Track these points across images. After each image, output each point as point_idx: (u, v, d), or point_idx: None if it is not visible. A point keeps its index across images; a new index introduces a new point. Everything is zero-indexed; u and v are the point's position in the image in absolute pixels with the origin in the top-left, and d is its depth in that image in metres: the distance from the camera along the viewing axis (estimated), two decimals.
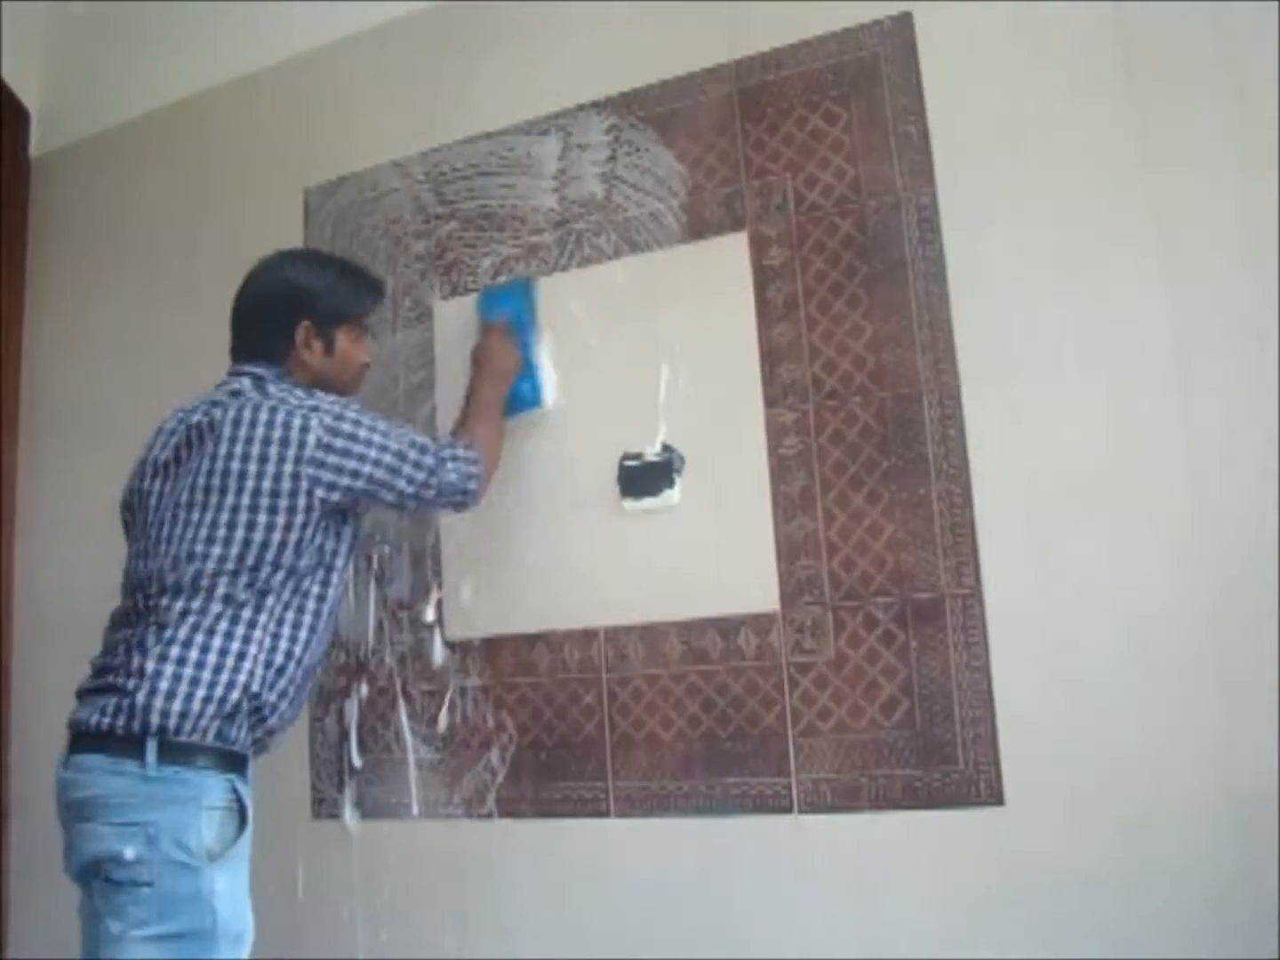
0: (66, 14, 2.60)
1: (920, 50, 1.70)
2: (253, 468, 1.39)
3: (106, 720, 1.33)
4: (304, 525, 1.42)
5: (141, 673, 1.34)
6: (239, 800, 1.37)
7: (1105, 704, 1.47)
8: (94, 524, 2.24)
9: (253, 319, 1.60)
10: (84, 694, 1.42)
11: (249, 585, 1.40)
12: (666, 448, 1.77)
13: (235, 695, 1.36)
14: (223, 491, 1.40)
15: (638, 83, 1.89)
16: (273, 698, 1.41)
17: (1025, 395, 1.57)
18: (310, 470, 1.41)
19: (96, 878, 1.30)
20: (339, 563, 1.51)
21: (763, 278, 1.75)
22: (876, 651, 1.60)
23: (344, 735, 1.95)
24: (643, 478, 1.77)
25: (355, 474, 1.44)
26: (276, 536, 1.40)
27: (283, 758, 1.97)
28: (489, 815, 1.81)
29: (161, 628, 1.38)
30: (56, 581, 2.29)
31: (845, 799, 1.59)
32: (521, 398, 1.84)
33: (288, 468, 1.40)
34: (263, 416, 1.42)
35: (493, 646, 1.86)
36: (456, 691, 1.88)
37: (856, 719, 1.60)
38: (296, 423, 1.42)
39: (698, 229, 1.81)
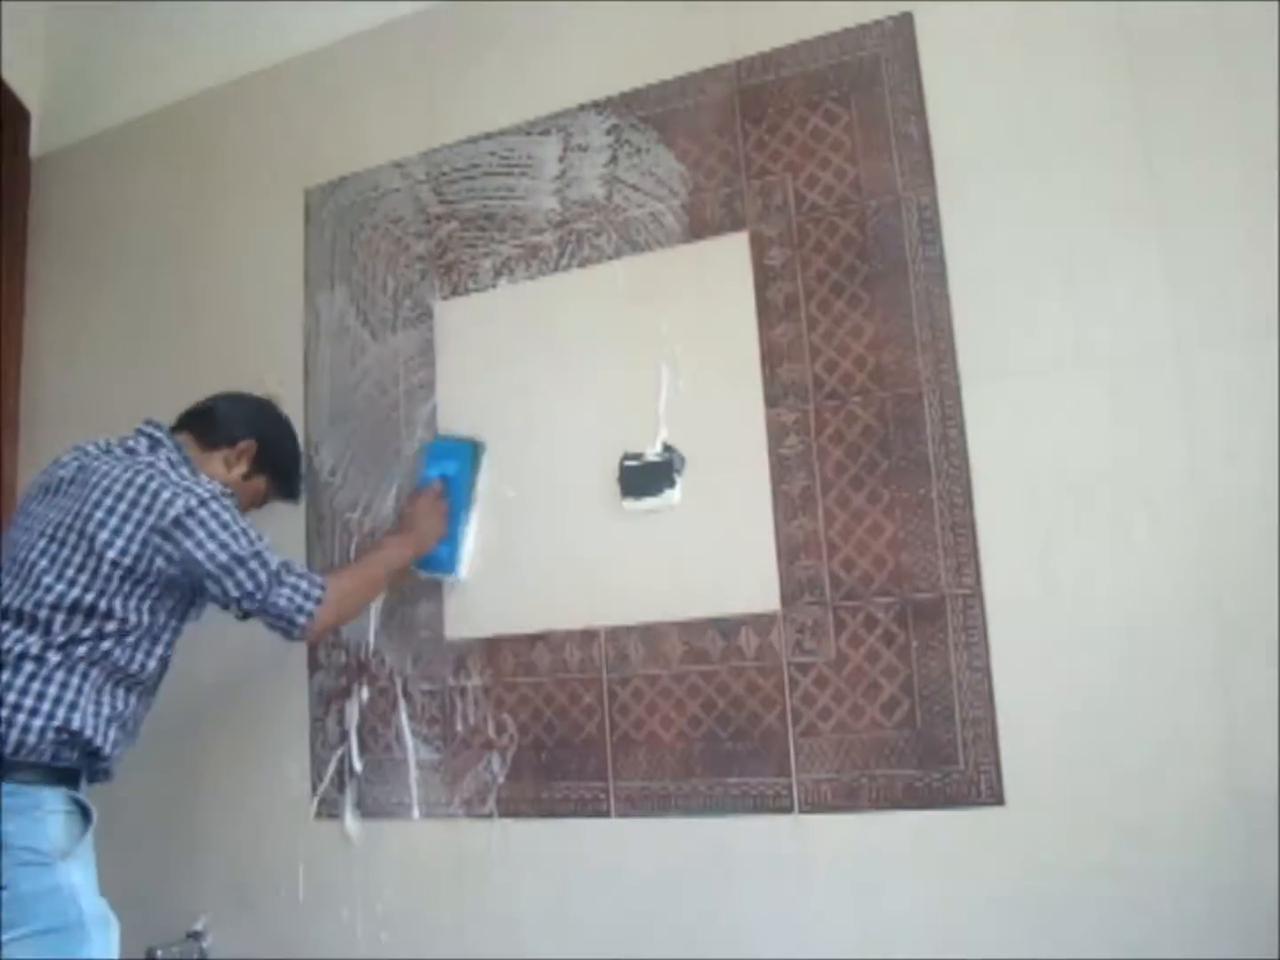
0: (66, 14, 2.60)
1: (921, 50, 1.70)
2: (113, 521, 1.49)
3: None
4: (143, 589, 1.51)
5: None
6: (78, 802, 1.46)
7: (1106, 704, 1.47)
8: None
9: (222, 406, 1.77)
10: None
11: (85, 631, 1.46)
12: (667, 448, 1.77)
13: (67, 736, 1.44)
14: (80, 534, 1.49)
15: (638, 83, 1.89)
16: (104, 744, 1.49)
17: (1026, 395, 1.57)
18: (157, 539, 1.49)
19: None
20: (166, 637, 1.58)
21: (763, 278, 1.75)
22: (877, 651, 1.60)
23: (344, 736, 1.95)
24: (643, 478, 1.77)
25: (190, 557, 1.50)
26: (114, 588, 1.48)
27: (283, 758, 1.98)
28: (490, 815, 1.81)
29: (2, 665, 1.43)
30: None
31: (846, 799, 1.59)
32: (438, 562, 1.85)
33: (141, 532, 1.49)
34: (139, 480, 1.52)
35: (493, 646, 1.86)
36: (457, 692, 1.87)
37: (857, 719, 1.60)
38: (165, 495, 1.51)
39: (698, 229, 1.81)
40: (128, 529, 1.48)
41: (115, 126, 2.46)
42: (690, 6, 1.87)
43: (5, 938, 1.34)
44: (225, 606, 1.56)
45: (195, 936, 1.97)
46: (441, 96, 2.08)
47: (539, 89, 1.98)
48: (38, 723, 1.41)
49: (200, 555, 1.49)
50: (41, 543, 1.50)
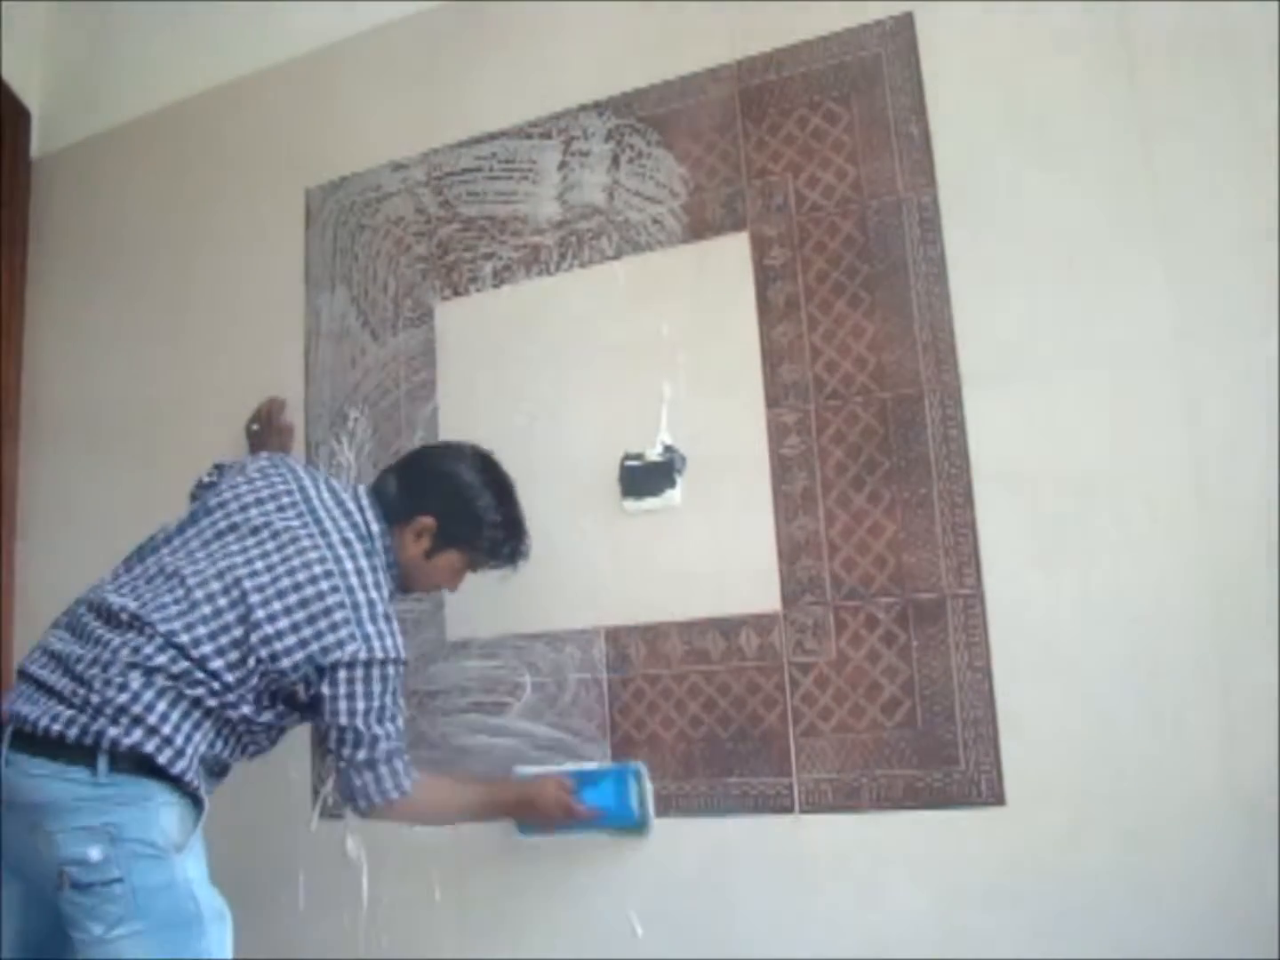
0: (66, 14, 2.60)
1: (921, 50, 1.70)
2: (280, 625, 1.42)
3: (57, 728, 1.33)
4: (274, 689, 1.45)
5: (100, 710, 1.34)
6: (189, 793, 1.40)
7: (1106, 704, 1.48)
8: (94, 524, 2.25)
9: (403, 472, 1.64)
10: (33, 683, 1.40)
11: (206, 690, 1.39)
12: (668, 448, 1.77)
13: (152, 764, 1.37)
14: (246, 615, 1.42)
15: (639, 83, 1.90)
16: (191, 778, 1.40)
17: (1026, 395, 1.57)
18: (308, 669, 1.43)
19: (60, 888, 1.30)
20: (277, 721, 1.50)
21: (764, 278, 1.76)
22: (878, 652, 1.61)
23: None
24: (644, 478, 1.78)
25: (321, 698, 1.43)
26: (254, 680, 1.42)
27: (284, 760, 1.97)
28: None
29: (133, 675, 1.36)
30: (56, 581, 2.28)
31: (846, 799, 1.59)
32: (617, 789, 1.68)
33: (299, 655, 1.42)
34: (328, 597, 1.44)
35: (493, 646, 1.86)
36: (456, 691, 1.87)
37: (858, 719, 1.60)
38: (342, 633, 1.42)
39: (699, 229, 1.81)
40: (289, 642, 1.41)
41: (115, 126, 2.46)
42: (690, 6, 1.87)
43: (123, 931, 1.30)
44: (321, 741, 1.56)
45: None
46: (441, 97, 2.08)
47: (539, 89, 1.98)
48: (156, 741, 1.35)
49: (330, 703, 1.43)
50: (215, 587, 1.43)
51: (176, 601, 1.42)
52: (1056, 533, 1.53)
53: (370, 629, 1.44)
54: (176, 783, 1.37)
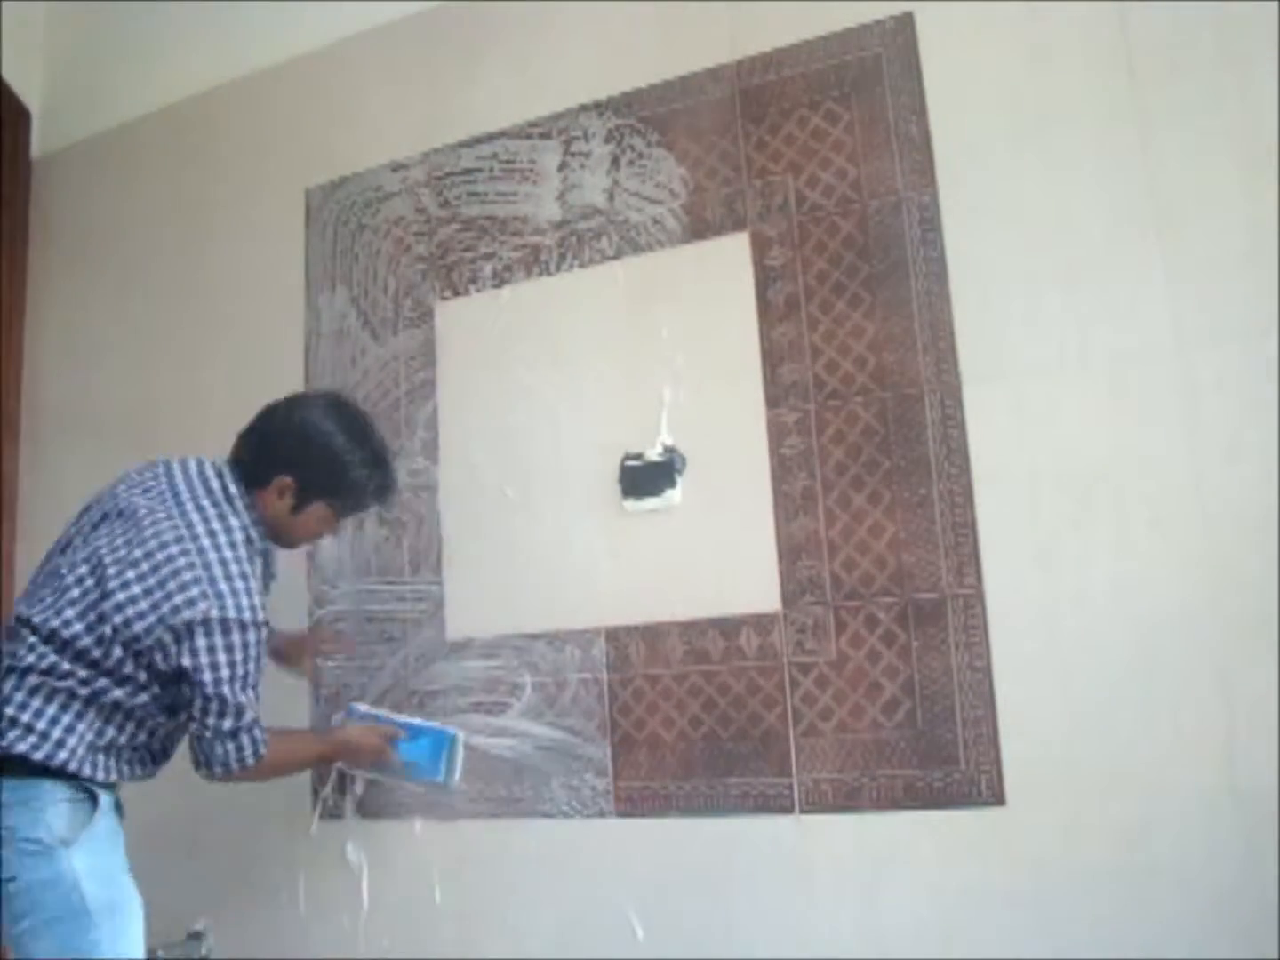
0: (66, 14, 2.60)
1: (921, 50, 1.70)
2: (133, 591, 1.43)
3: None
4: (145, 660, 1.44)
5: None
6: (85, 789, 1.43)
7: (1106, 704, 1.48)
8: None
9: (255, 435, 1.60)
10: None
11: (88, 673, 1.42)
12: (668, 448, 1.77)
13: (54, 762, 1.40)
14: (102, 589, 1.44)
15: (639, 83, 1.90)
16: (93, 772, 1.44)
17: (1026, 395, 1.57)
18: (161, 632, 1.41)
19: None
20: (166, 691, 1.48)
21: (764, 278, 1.76)
22: (878, 652, 1.61)
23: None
24: (644, 478, 1.78)
25: (181, 667, 1.42)
26: (118, 652, 1.43)
27: None
28: (490, 815, 1.81)
29: (8, 681, 1.41)
30: None
31: (847, 799, 1.59)
32: (434, 747, 1.79)
33: (150, 618, 1.42)
34: (178, 560, 1.43)
35: (493, 646, 1.86)
36: (457, 691, 1.87)
37: (858, 719, 1.60)
38: (192, 591, 1.42)
39: (699, 229, 1.81)
40: (142, 606, 1.41)
41: (115, 126, 2.46)
42: (691, 6, 1.88)
43: (17, 929, 1.36)
44: (185, 710, 1.48)
45: (196, 937, 1.97)
46: (441, 97, 2.08)
47: (539, 89, 1.98)
48: (31, 739, 1.38)
49: (194, 674, 1.42)
50: (83, 569, 1.46)
51: (53, 592, 1.46)
52: (1056, 533, 1.53)
53: (223, 587, 1.43)
54: (67, 777, 1.40)
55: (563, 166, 1.94)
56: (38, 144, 2.56)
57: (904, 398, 1.64)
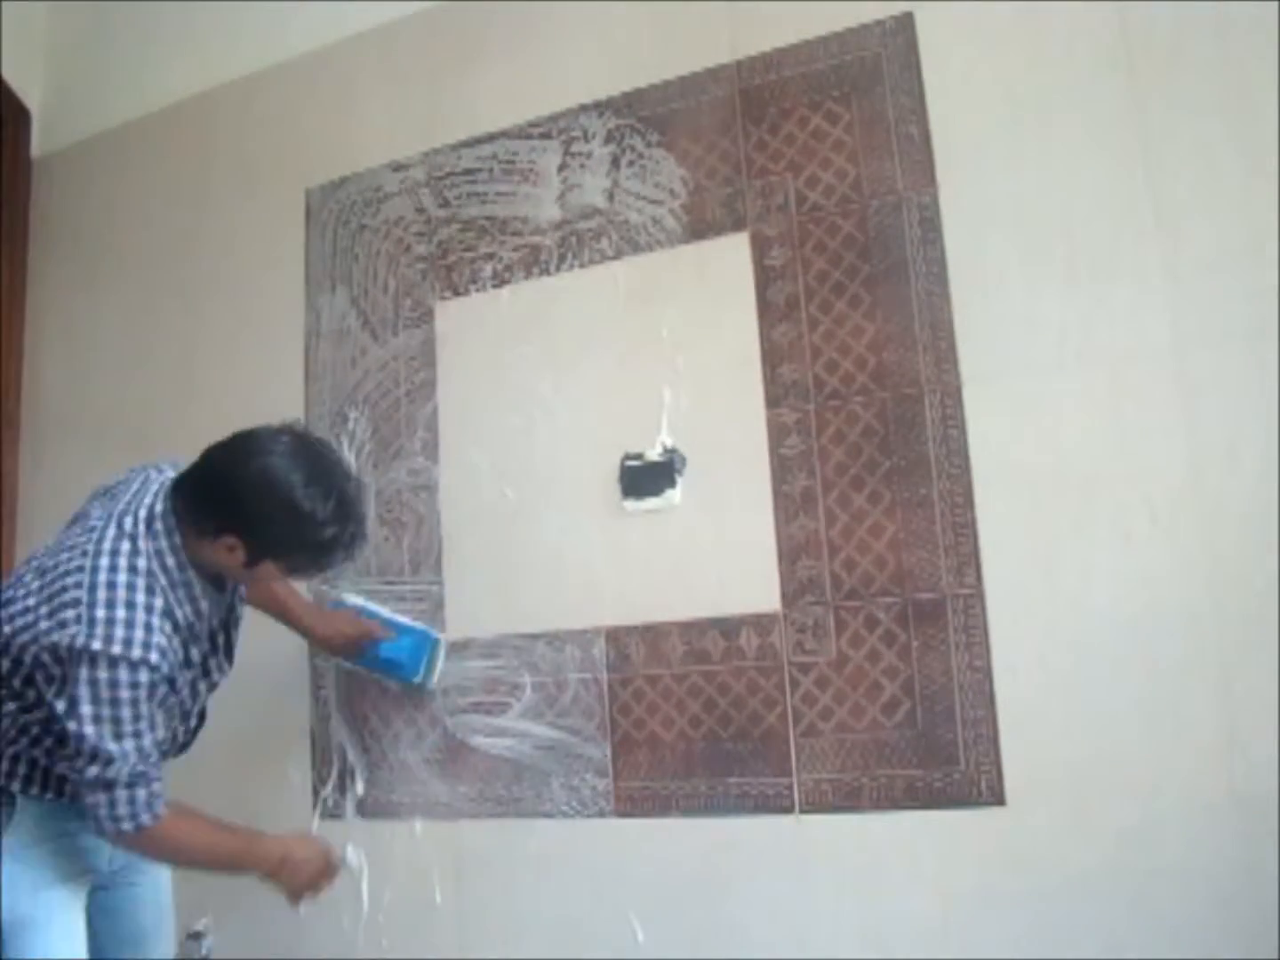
0: (66, 14, 2.60)
1: (921, 50, 1.70)
2: (30, 600, 1.30)
3: None
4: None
5: None
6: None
7: (1106, 704, 1.48)
8: None
9: (199, 492, 1.33)
10: None
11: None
12: (668, 448, 1.77)
13: None
14: (14, 583, 1.35)
15: (639, 83, 1.90)
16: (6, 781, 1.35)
17: (1026, 395, 1.57)
18: (40, 652, 1.27)
19: None
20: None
21: (764, 278, 1.76)
22: (878, 652, 1.61)
23: (347, 736, 1.95)
24: (644, 478, 1.78)
25: (50, 703, 1.27)
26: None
27: (284, 761, 1.98)
28: (492, 815, 1.81)
29: None
30: None
31: (847, 799, 1.59)
32: (416, 648, 1.84)
33: (31, 633, 1.28)
34: (71, 590, 1.27)
35: (493, 646, 1.86)
36: (457, 691, 1.87)
37: (858, 719, 1.60)
38: (68, 615, 1.25)
39: (699, 229, 1.81)
40: (27, 619, 1.28)
41: (115, 126, 2.46)
42: (691, 6, 1.87)
43: None
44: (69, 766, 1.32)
45: (196, 937, 1.97)
46: (441, 97, 2.08)
47: (539, 89, 1.98)
48: None
49: (67, 704, 1.25)
50: (20, 570, 1.37)
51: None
52: (1056, 532, 1.53)
53: (100, 614, 1.24)
54: None
55: (563, 167, 1.94)
56: (38, 144, 2.56)
57: (904, 398, 1.64)
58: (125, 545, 1.30)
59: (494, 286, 1.96)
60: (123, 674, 1.24)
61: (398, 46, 2.15)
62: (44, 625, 1.26)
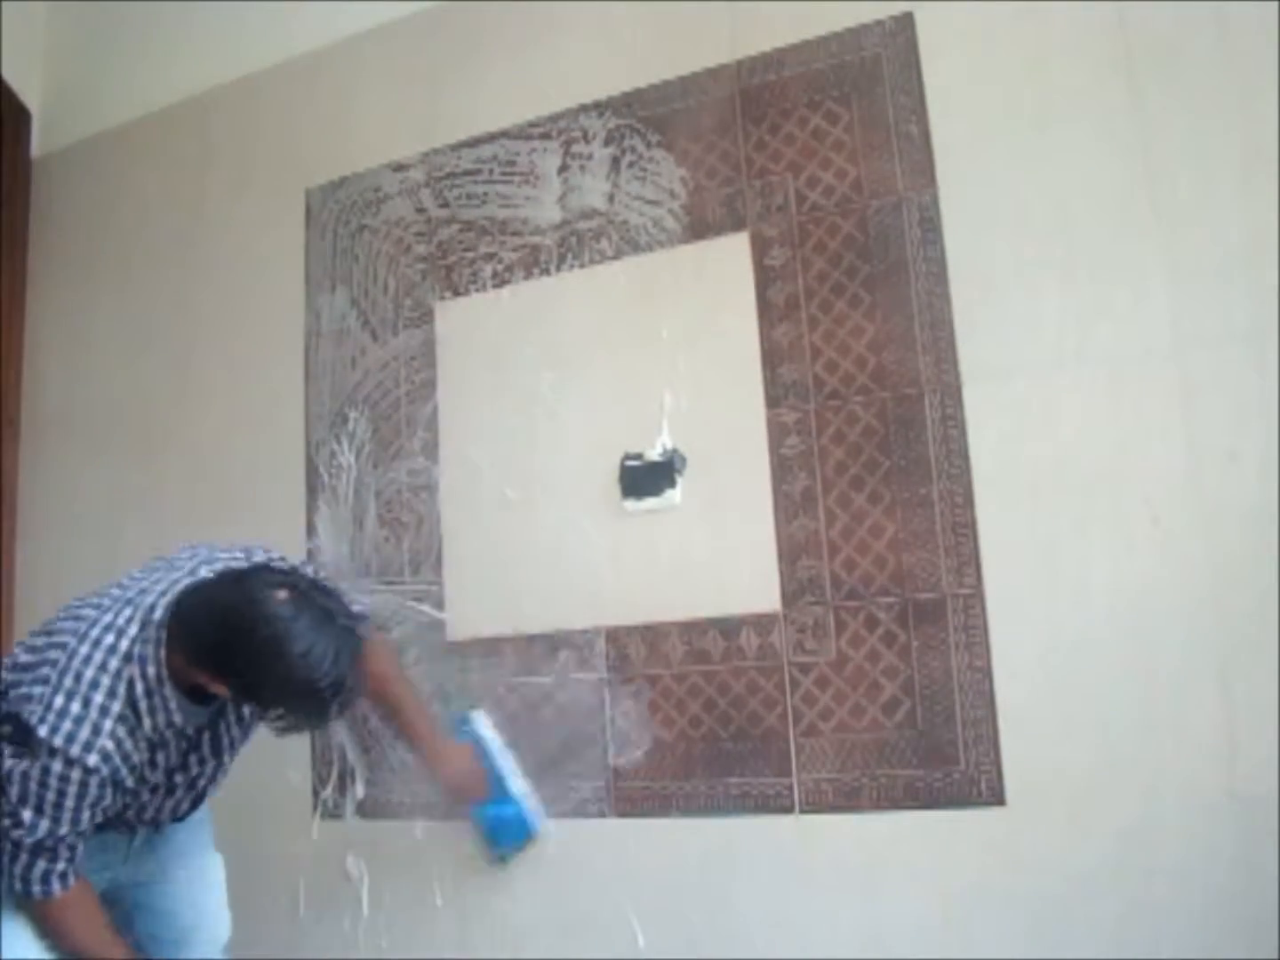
0: (66, 14, 2.60)
1: (921, 50, 1.70)
2: (24, 658, 1.33)
3: None
4: None
5: None
6: None
7: (1106, 704, 1.48)
8: (94, 524, 2.25)
9: (197, 635, 1.28)
10: None
11: None
12: (668, 448, 1.77)
13: None
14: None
15: (639, 83, 1.90)
16: None
17: (1026, 395, 1.57)
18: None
19: None
20: None
21: (764, 278, 1.76)
22: (878, 652, 1.61)
23: (347, 737, 1.95)
24: (644, 478, 1.78)
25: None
26: None
27: (284, 761, 1.97)
28: None
29: None
30: (56, 581, 2.29)
31: (847, 799, 1.59)
32: (511, 827, 1.73)
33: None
34: (48, 652, 1.29)
35: (493, 647, 1.86)
36: (458, 691, 1.87)
37: (858, 719, 1.60)
38: (36, 690, 1.26)
39: (699, 229, 1.81)
40: (11, 678, 1.29)
41: (115, 126, 2.46)
42: (690, 6, 1.87)
43: None
44: None
45: None
46: (441, 97, 2.08)
47: (539, 89, 1.98)
48: None
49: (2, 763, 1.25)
50: (43, 634, 1.36)
51: None
52: (1056, 532, 1.53)
53: (58, 701, 1.25)
54: None
55: (563, 169, 1.94)
56: (38, 144, 2.56)
57: (904, 398, 1.64)
58: (109, 639, 1.29)
59: (494, 287, 1.97)
60: (56, 765, 1.25)
61: (398, 46, 2.15)
62: (18, 692, 1.27)
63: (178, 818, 1.51)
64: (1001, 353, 1.60)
